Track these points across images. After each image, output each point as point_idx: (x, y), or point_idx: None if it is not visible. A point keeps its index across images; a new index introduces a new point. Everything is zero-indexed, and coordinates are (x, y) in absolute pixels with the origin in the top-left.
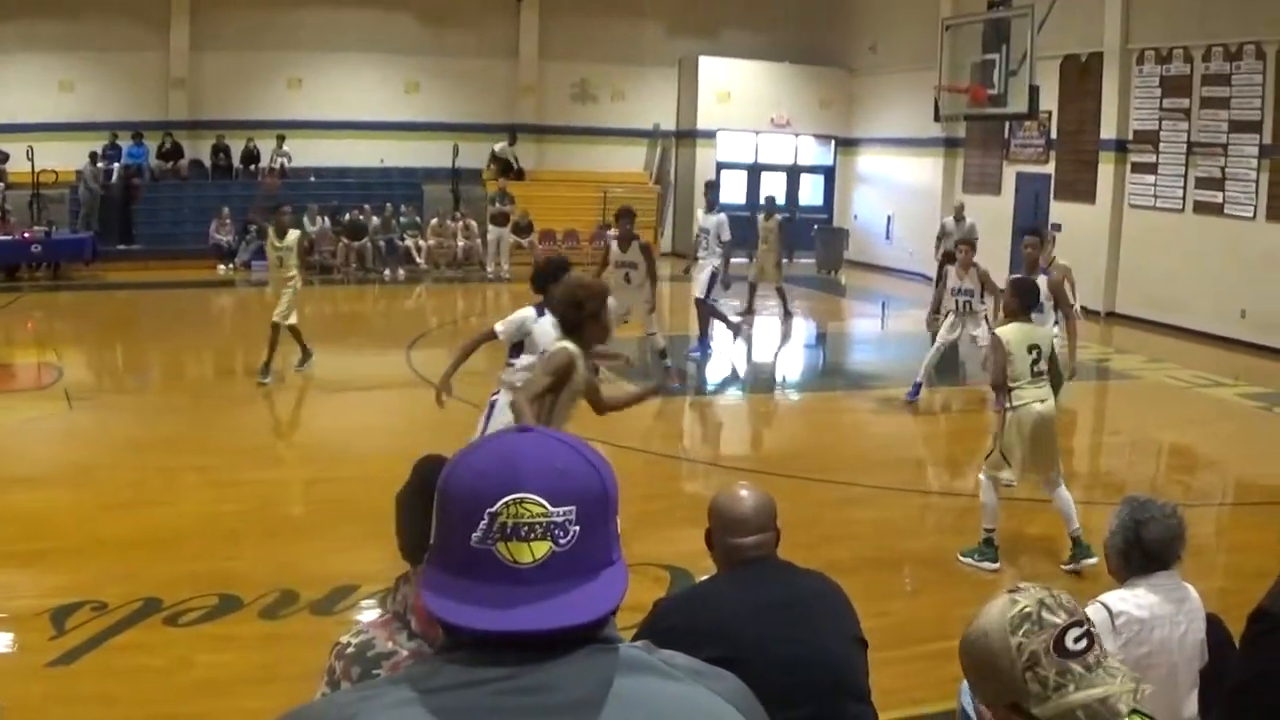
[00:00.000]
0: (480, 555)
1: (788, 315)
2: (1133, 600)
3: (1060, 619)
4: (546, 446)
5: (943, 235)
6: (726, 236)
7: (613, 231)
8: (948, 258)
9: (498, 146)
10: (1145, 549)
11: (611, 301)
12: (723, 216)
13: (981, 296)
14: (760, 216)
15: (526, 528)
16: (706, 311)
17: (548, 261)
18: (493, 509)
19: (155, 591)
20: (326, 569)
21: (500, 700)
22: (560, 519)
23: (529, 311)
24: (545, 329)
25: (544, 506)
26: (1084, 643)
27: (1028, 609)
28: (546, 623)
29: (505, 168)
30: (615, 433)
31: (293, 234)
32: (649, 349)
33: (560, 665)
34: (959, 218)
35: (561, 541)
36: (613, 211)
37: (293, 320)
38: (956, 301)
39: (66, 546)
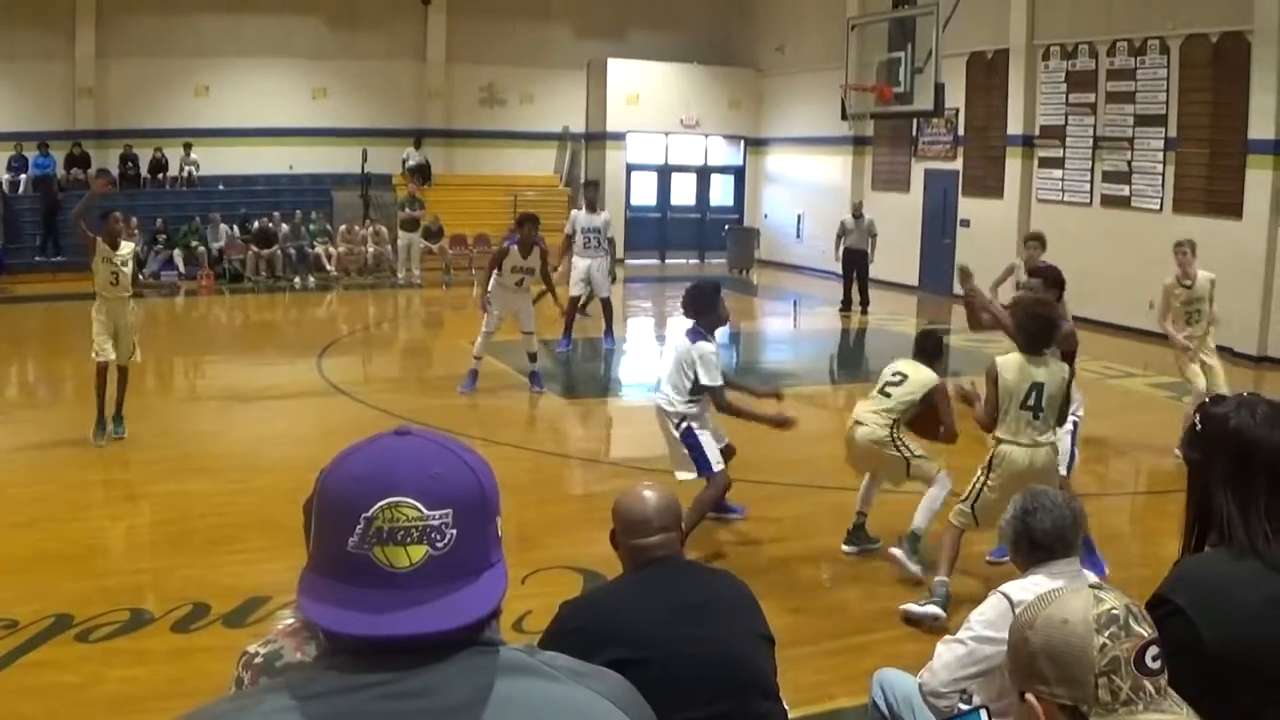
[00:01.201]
0: (357, 560)
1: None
2: (1032, 589)
3: (1146, 632)
4: (423, 449)
5: (843, 233)
6: (611, 234)
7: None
8: (849, 255)
9: (410, 159)
10: (1033, 538)
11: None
12: (608, 215)
13: None
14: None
15: (403, 532)
16: (575, 310)
17: None
18: (368, 513)
19: (66, 608)
20: (238, 580)
21: (380, 705)
22: (437, 522)
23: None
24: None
25: (420, 510)
26: (1159, 663)
27: (1115, 611)
28: (425, 626)
29: (424, 173)
30: (527, 435)
31: (127, 245)
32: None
33: (441, 669)
34: (857, 215)
35: (438, 545)
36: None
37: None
38: None
39: None
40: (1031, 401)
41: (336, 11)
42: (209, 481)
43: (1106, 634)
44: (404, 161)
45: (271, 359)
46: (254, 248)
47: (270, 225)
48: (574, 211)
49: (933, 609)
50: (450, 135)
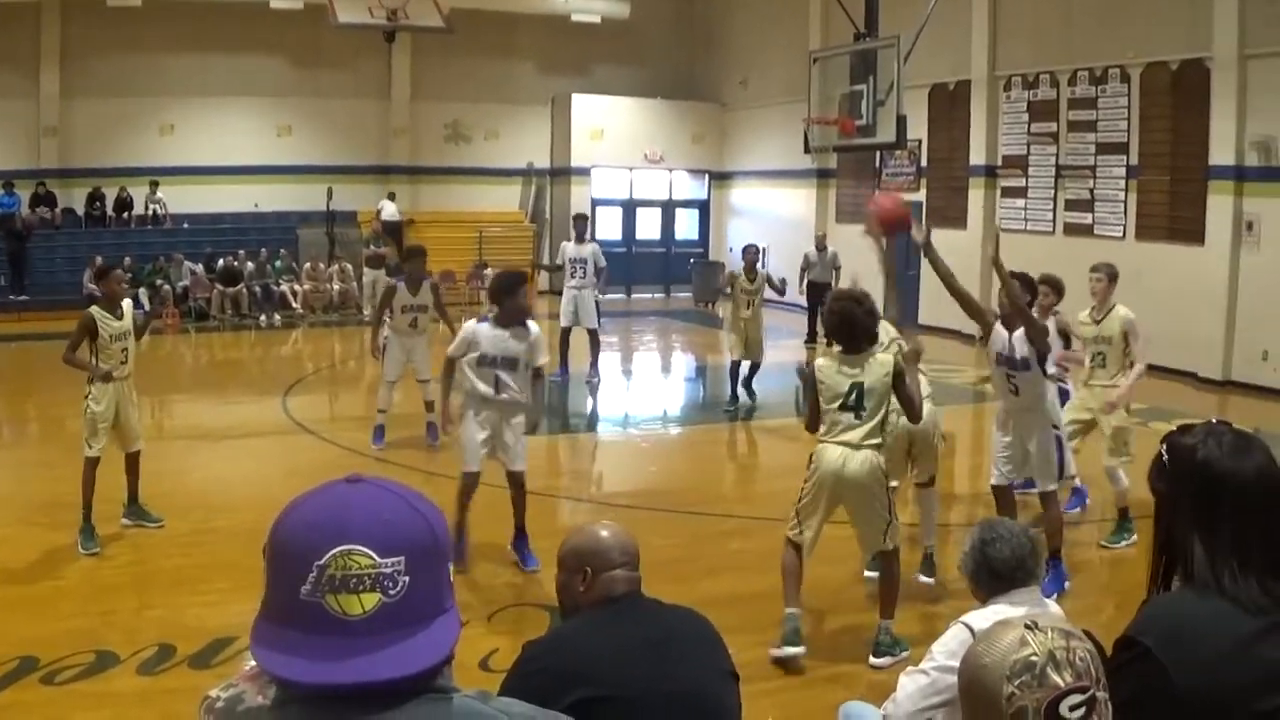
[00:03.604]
0: (309, 607)
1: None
2: (993, 619)
3: (1064, 680)
4: (375, 497)
5: (807, 266)
6: (602, 264)
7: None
8: (813, 288)
9: (383, 211)
10: (992, 569)
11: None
12: (596, 246)
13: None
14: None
15: (355, 579)
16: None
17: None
18: (321, 561)
19: (30, 650)
20: (204, 621)
21: None
22: (389, 570)
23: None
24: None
25: (372, 558)
26: (1080, 711)
27: (1034, 658)
28: (378, 674)
29: (396, 232)
30: (497, 471)
31: (126, 305)
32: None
33: (393, 716)
34: (821, 247)
35: (391, 592)
36: (488, 251)
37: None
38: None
39: None
40: (852, 401)
41: (301, 50)
42: (174, 521)
43: (1016, 683)
44: (378, 212)
45: (237, 397)
46: (219, 286)
47: (235, 263)
48: (563, 243)
49: (789, 650)
50: (415, 172)
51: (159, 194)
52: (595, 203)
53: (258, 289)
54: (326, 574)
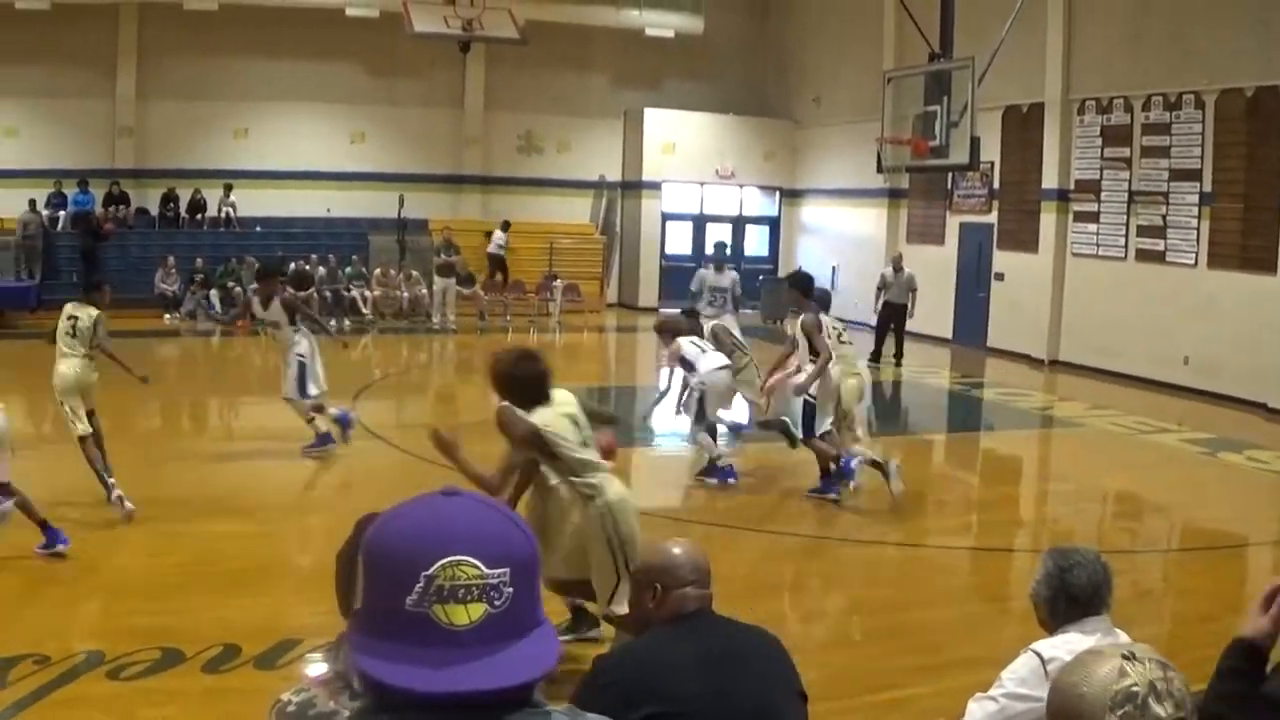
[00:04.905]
0: (416, 618)
1: None
2: (1065, 646)
3: (1165, 711)
4: (476, 509)
5: (883, 286)
6: (739, 293)
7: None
8: (888, 309)
9: (496, 241)
10: (1072, 595)
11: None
12: (735, 274)
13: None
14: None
15: (464, 590)
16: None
17: None
18: (428, 571)
19: (97, 645)
20: (270, 623)
21: None
22: (495, 580)
23: None
24: None
25: (480, 569)
26: None
27: (1135, 689)
28: (490, 683)
29: (502, 265)
30: None
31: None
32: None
33: None
34: (898, 268)
35: (497, 603)
36: (558, 263)
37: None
38: None
39: (6, 599)
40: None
41: (376, 58)
42: (241, 523)
43: (1119, 713)
44: (489, 235)
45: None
46: (290, 290)
47: (307, 268)
48: (700, 270)
49: None
50: (487, 182)
51: (232, 197)
52: (665, 217)
53: (328, 294)
54: (434, 584)
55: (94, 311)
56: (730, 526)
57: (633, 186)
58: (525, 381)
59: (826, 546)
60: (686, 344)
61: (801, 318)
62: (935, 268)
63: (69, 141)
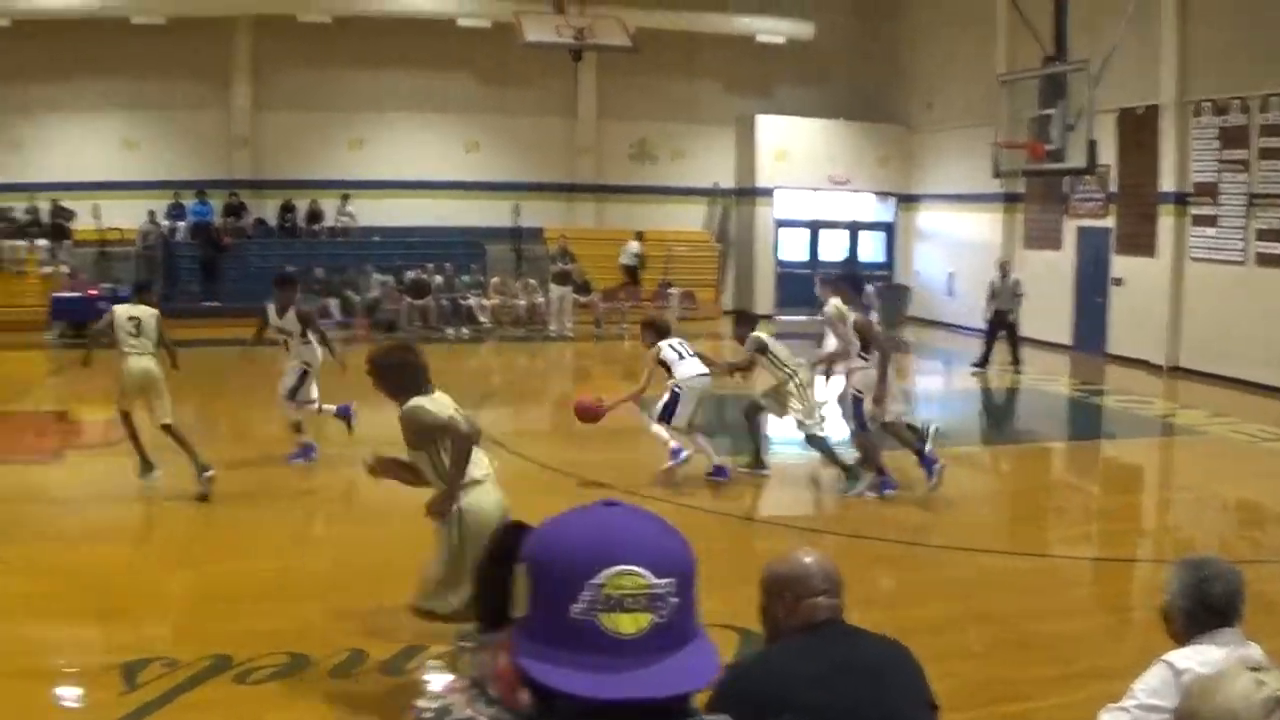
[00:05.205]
0: (581, 626)
1: None
2: (1196, 658)
3: None
4: (640, 520)
5: (993, 294)
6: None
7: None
8: (997, 316)
9: (630, 251)
10: (1211, 606)
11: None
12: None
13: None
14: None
15: (630, 599)
16: None
17: None
18: (596, 581)
19: (225, 648)
20: (396, 628)
21: None
22: (662, 590)
23: None
24: None
25: (647, 579)
26: None
27: (1278, 694)
28: (655, 691)
29: (634, 275)
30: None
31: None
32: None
33: None
34: (1004, 274)
35: (662, 613)
36: (673, 271)
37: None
38: None
39: (137, 602)
40: None
41: (488, 68)
42: (365, 527)
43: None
44: (623, 249)
45: None
46: (408, 298)
47: (424, 276)
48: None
49: None
50: (601, 190)
51: (350, 206)
52: (779, 224)
53: (445, 302)
54: (601, 594)
55: (153, 310)
56: (846, 535)
57: (746, 193)
58: (403, 370)
59: (944, 555)
60: (666, 347)
61: (854, 317)
62: (1052, 273)
63: (187, 153)
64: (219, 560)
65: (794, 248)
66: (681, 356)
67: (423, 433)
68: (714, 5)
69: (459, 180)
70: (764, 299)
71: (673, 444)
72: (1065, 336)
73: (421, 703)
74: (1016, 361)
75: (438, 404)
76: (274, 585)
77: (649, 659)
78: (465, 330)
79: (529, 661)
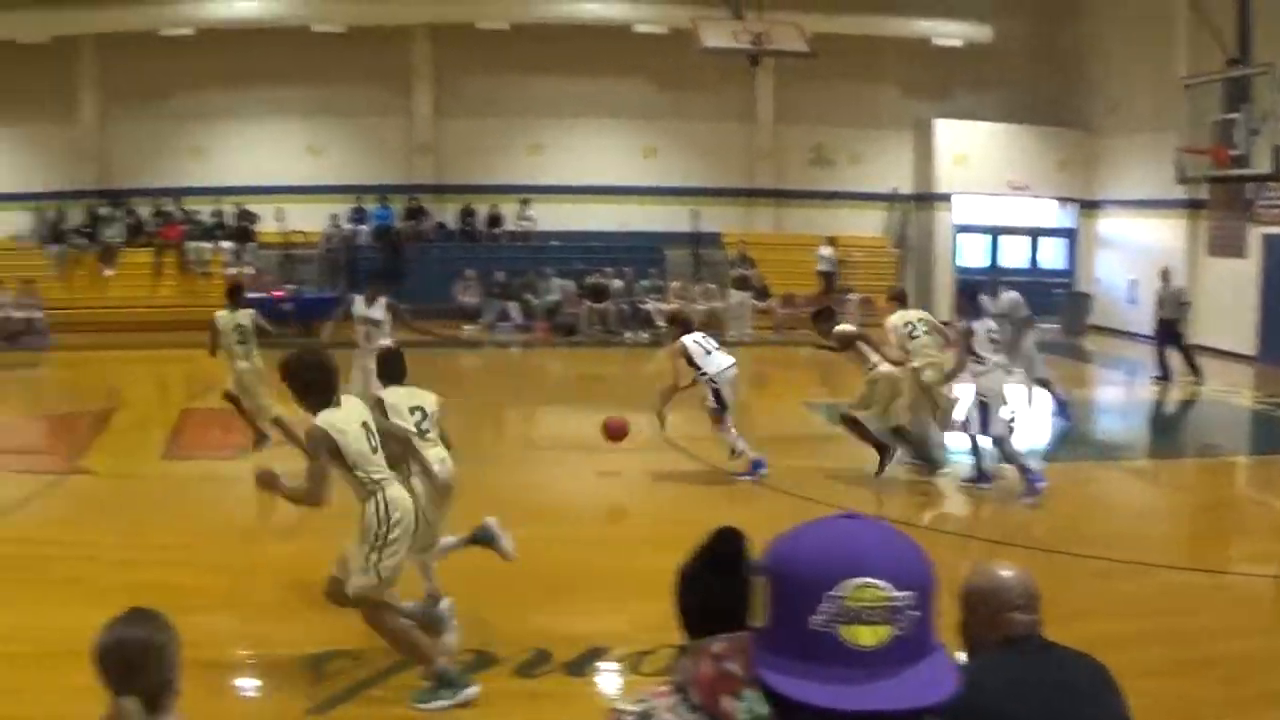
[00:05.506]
0: (822, 637)
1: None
2: None
3: None
4: (881, 532)
5: (1160, 303)
6: (1023, 313)
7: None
8: (1162, 325)
9: (826, 256)
10: None
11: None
12: (1014, 295)
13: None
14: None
15: (871, 611)
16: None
17: None
18: (836, 592)
19: None
20: (579, 629)
21: None
22: (902, 604)
23: None
24: None
25: (889, 591)
26: None
27: None
28: (893, 704)
29: (829, 279)
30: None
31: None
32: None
33: None
34: (1166, 281)
35: (902, 626)
36: (854, 276)
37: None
38: None
39: (313, 604)
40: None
41: (666, 73)
42: (548, 527)
43: None
44: (818, 254)
45: (606, 410)
46: (587, 302)
47: (603, 281)
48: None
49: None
50: (780, 195)
51: (529, 211)
52: (957, 229)
53: (624, 306)
54: (842, 605)
55: (250, 312)
56: (1041, 550)
57: (924, 198)
58: (316, 372)
59: (1125, 570)
60: (691, 342)
61: (961, 325)
62: (1236, 281)
63: (369, 158)
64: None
65: (974, 254)
66: (708, 351)
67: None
68: (890, 8)
69: (637, 185)
70: (943, 306)
71: (752, 455)
72: (1249, 347)
73: (623, 705)
74: (1195, 371)
75: (342, 414)
76: (457, 584)
77: (888, 671)
78: (644, 334)
79: (767, 672)
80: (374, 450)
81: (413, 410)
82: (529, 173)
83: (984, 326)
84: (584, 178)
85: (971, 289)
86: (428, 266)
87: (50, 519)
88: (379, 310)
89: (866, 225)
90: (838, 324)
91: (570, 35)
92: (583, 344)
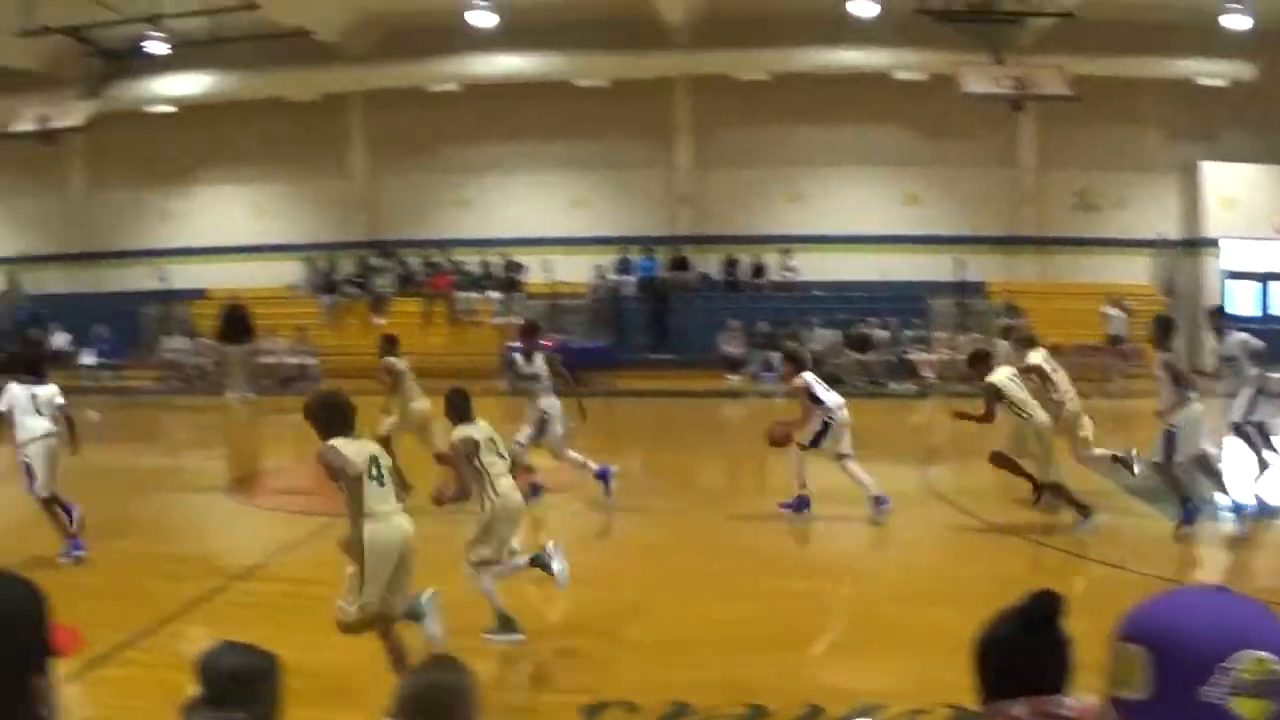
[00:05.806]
0: (1209, 710)
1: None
2: None
3: None
4: (1259, 605)
5: None
6: (1253, 352)
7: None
8: None
9: (1116, 315)
10: None
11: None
12: (1242, 336)
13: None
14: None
15: (1261, 685)
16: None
17: None
18: (1226, 664)
19: (682, 695)
20: (849, 684)
21: None
22: None
23: None
24: None
25: (1276, 666)
26: None
27: None
28: None
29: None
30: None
31: None
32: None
33: None
34: None
35: (1278, 700)
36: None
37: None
38: None
39: (594, 644)
40: (374, 472)
41: (927, 120)
42: (815, 581)
43: None
44: (1105, 315)
45: (870, 460)
46: (852, 351)
47: (867, 331)
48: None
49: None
50: (1043, 242)
51: (792, 260)
52: (1225, 275)
53: (891, 357)
54: (1235, 677)
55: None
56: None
57: (1191, 243)
58: (332, 410)
59: None
60: (811, 378)
61: (1165, 357)
62: None
63: (631, 210)
64: (662, 604)
65: (1244, 301)
66: (826, 389)
67: (330, 468)
68: (1152, 49)
69: (898, 233)
70: (1211, 355)
71: (874, 491)
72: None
73: None
74: None
75: (354, 446)
76: (718, 637)
77: None
78: (909, 385)
79: None
80: (380, 484)
81: (490, 440)
82: (789, 222)
83: (1168, 358)
84: (845, 226)
85: (1165, 321)
86: (692, 317)
87: (323, 560)
88: (538, 365)
89: (1131, 272)
90: (991, 369)
91: (828, 83)
92: (848, 395)
